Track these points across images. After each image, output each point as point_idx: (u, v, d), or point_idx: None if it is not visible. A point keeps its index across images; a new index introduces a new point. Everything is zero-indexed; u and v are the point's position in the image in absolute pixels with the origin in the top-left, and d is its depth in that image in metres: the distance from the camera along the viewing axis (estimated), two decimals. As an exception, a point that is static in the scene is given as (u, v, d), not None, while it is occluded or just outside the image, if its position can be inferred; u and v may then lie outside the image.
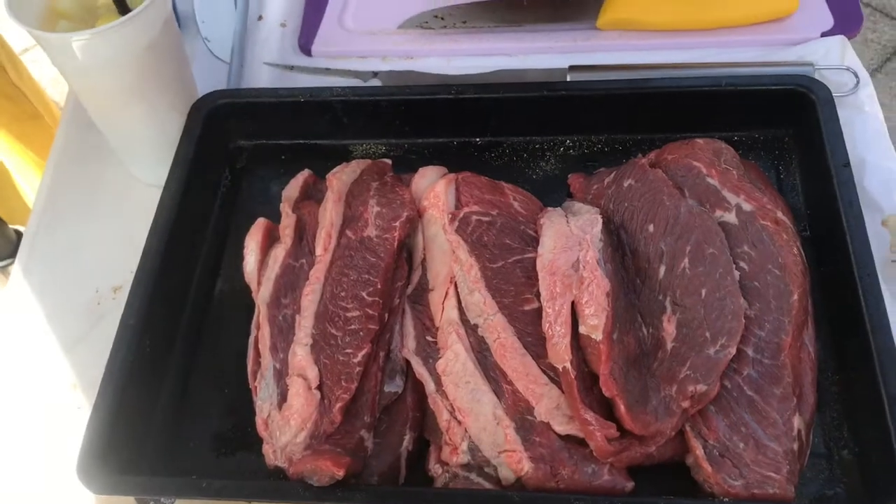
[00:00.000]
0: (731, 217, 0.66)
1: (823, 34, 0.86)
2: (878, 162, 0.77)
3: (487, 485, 0.59)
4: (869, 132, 0.79)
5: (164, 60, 0.73)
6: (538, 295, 0.62)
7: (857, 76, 0.82)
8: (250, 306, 0.70)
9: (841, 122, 0.73)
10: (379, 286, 0.65)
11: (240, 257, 0.73)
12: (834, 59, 0.83)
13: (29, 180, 1.20)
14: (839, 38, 0.85)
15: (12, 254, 1.19)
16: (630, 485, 0.58)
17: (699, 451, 0.58)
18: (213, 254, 0.76)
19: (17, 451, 0.69)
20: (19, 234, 1.20)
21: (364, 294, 0.64)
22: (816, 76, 0.79)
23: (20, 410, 0.71)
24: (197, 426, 0.67)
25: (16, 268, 0.80)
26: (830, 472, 0.61)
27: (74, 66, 0.70)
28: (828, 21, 0.87)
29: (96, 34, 0.67)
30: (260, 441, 0.63)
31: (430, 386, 0.62)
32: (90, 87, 0.73)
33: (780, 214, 0.66)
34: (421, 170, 0.74)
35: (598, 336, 0.58)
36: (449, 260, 0.66)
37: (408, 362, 0.64)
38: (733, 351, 0.59)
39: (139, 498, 0.59)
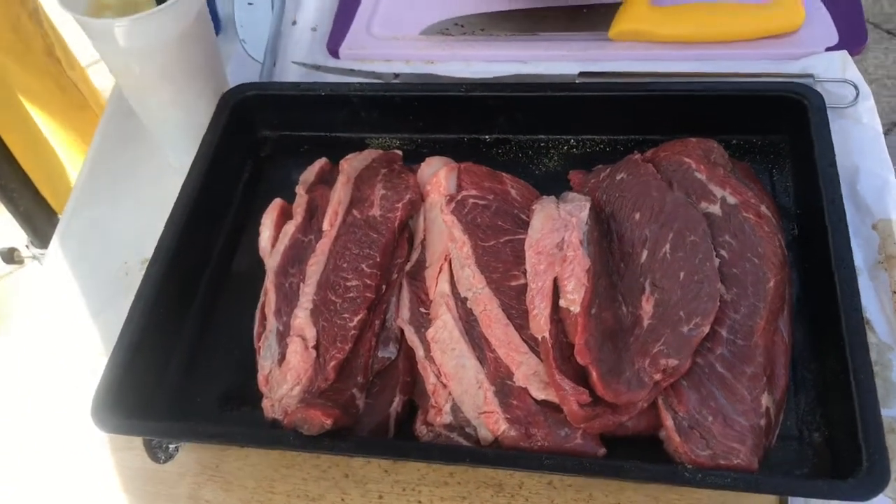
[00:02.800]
0: (715, 209, 0.69)
1: (828, 49, 0.89)
2: (871, 170, 0.80)
3: (466, 444, 0.62)
4: (866, 142, 0.82)
5: (195, 49, 0.80)
6: (525, 273, 0.66)
7: (857, 89, 0.85)
8: (263, 280, 0.75)
9: (839, 131, 0.75)
10: (378, 260, 0.69)
11: (257, 236, 0.78)
12: (835, 73, 0.86)
13: (78, 167, 1.27)
14: (841, 53, 0.87)
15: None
16: (602, 451, 0.61)
17: (669, 423, 0.61)
18: (234, 231, 0.82)
19: (45, 410, 0.74)
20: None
21: (364, 266, 0.69)
22: (818, 88, 0.82)
23: (50, 373, 0.77)
24: (205, 383, 0.71)
25: (54, 240, 0.87)
26: (801, 454, 0.63)
27: (114, 50, 0.76)
28: (833, 37, 0.90)
29: (135, 20, 0.73)
30: (261, 398, 0.68)
31: (419, 352, 0.66)
32: (127, 71, 0.79)
33: (763, 209, 0.69)
34: (428, 159, 0.79)
35: (575, 309, 0.62)
36: (446, 239, 0.70)
37: (402, 331, 0.68)
38: (706, 330, 0.62)
39: (147, 440, 0.64)
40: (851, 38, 0.90)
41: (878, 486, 0.55)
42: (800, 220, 0.75)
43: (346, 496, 0.64)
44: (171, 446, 0.69)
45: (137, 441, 0.69)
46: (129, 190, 0.90)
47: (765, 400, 0.61)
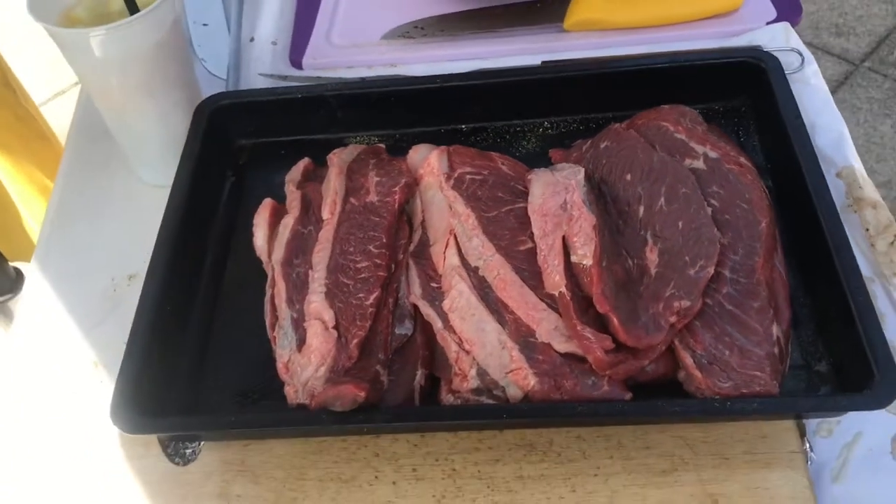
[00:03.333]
0: (699, 164, 0.73)
1: (768, 23, 0.95)
2: (827, 124, 0.85)
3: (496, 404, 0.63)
4: (817, 101, 0.88)
5: (171, 59, 0.80)
6: (531, 237, 0.68)
7: (801, 55, 0.91)
8: (259, 280, 0.75)
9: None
10: (384, 240, 0.70)
11: (248, 239, 0.78)
12: (780, 43, 0.92)
13: (34, 210, 1.24)
14: (783, 25, 0.94)
15: (11, 290, 1.22)
16: (628, 395, 0.63)
17: (689, 361, 0.63)
18: (223, 237, 0.81)
19: (45, 423, 0.72)
20: (19, 273, 1.23)
21: (371, 248, 0.70)
22: (766, 57, 0.87)
23: (46, 387, 0.75)
24: (220, 382, 0.70)
25: (32, 266, 0.84)
26: (810, 381, 0.66)
27: (89, 62, 0.76)
28: (771, 12, 0.96)
29: (110, 30, 0.73)
30: (280, 390, 0.67)
31: (437, 324, 0.67)
32: (102, 83, 0.79)
33: (743, 159, 0.73)
34: (414, 147, 0.80)
35: (588, 262, 0.64)
36: (447, 216, 0.72)
37: (415, 308, 0.69)
38: (711, 271, 0.65)
39: (164, 445, 0.62)
40: (788, 10, 0.96)
41: (892, 393, 0.59)
42: (773, 174, 0.79)
43: (380, 473, 0.64)
44: (189, 449, 0.67)
45: (154, 448, 0.67)
46: (104, 209, 0.88)
47: (775, 330, 0.64)
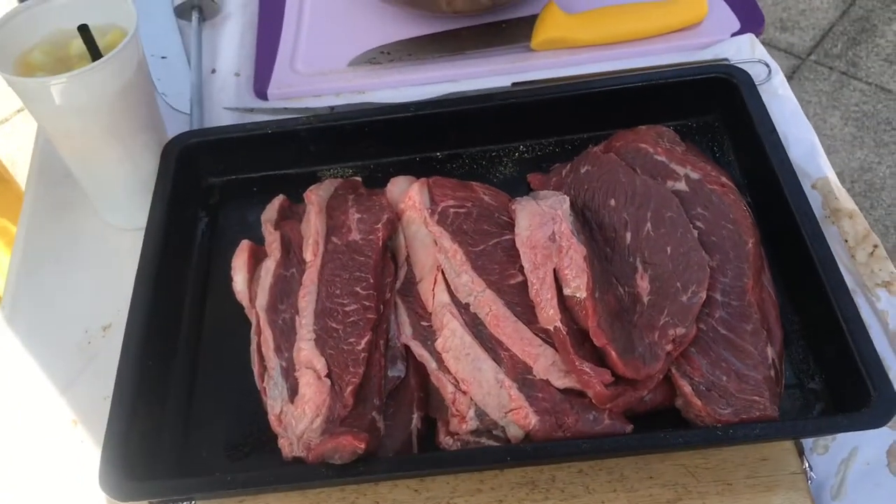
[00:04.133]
0: (681, 185, 0.73)
1: (733, 35, 0.96)
2: (799, 135, 0.86)
3: (498, 445, 0.62)
4: (786, 112, 0.88)
5: (137, 102, 0.77)
6: (521, 270, 0.67)
7: (768, 66, 0.92)
8: (241, 326, 0.73)
9: (761, 106, 0.81)
10: (371, 280, 0.69)
11: (226, 283, 0.76)
12: (746, 54, 0.93)
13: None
14: (748, 36, 0.94)
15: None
16: (630, 427, 0.62)
17: (687, 389, 0.63)
18: (200, 282, 0.79)
19: (26, 490, 0.69)
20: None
21: (358, 289, 0.68)
22: (734, 70, 0.88)
23: (24, 451, 0.72)
24: (208, 436, 0.68)
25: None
26: (805, 400, 0.66)
27: (51, 110, 0.73)
28: (734, 23, 0.97)
29: (73, 77, 0.70)
30: (271, 442, 0.65)
31: (431, 365, 0.66)
32: (67, 131, 0.76)
33: (724, 179, 0.73)
34: (392, 179, 0.79)
35: (582, 294, 0.63)
36: (432, 251, 0.70)
37: (407, 348, 0.68)
38: (704, 296, 0.65)
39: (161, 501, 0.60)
40: (751, 21, 0.97)
41: (890, 410, 0.59)
42: (750, 190, 0.79)
43: (382, 522, 0.63)
44: (181, 507, 0.65)
45: (145, 508, 0.65)
46: (72, 255, 0.85)
47: (769, 352, 0.64)
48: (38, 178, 0.92)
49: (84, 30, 0.73)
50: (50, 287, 0.83)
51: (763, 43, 0.96)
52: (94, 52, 0.74)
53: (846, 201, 0.80)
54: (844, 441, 0.66)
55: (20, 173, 1.10)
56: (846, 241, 0.78)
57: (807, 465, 0.64)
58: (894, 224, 2.00)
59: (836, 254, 0.76)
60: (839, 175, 2.16)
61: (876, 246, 0.76)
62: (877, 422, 0.59)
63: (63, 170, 0.86)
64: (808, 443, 0.66)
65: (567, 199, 0.70)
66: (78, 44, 0.75)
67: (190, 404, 0.71)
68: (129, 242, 0.83)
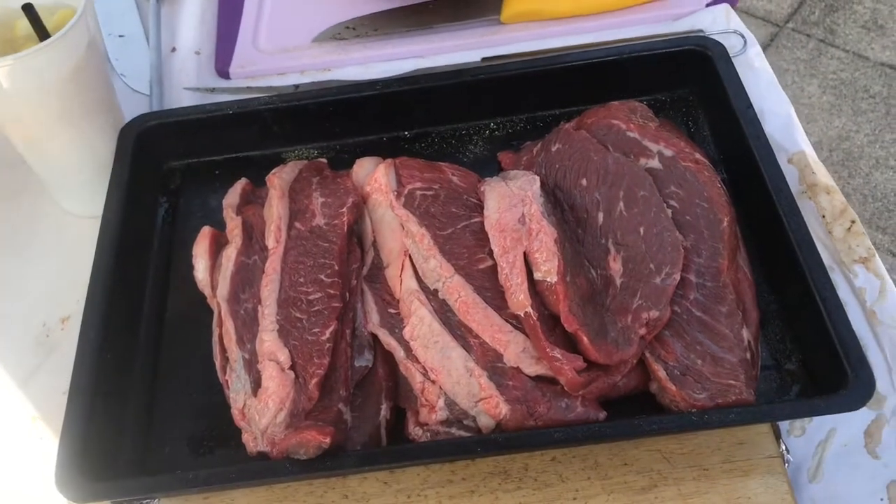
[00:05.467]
0: (654, 163, 0.71)
1: (708, 6, 0.93)
2: (774, 109, 0.84)
3: (468, 435, 0.60)
4: (762, 85, 0.86)
5: (90, 84, 0.74)
6: (490, 254, 0.65)
7: (744, 37, 0.90)
8: (204, 316, 0.71)
9: (736, 79, 0.79)
10: (336, 268, 0.66)
11: (187, 271, 0.73)
12: (721, 25, 0.91)
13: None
14: (723, 6, 0.92)
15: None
16: (603, 414, 0.61)
17: (661, 374, 0.61)
18: (160, 271, 0.76)
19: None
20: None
21: (323, 276, 0.66)
22: (710, 41, 0.86)
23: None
24: (170, 432, 0.66)
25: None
26: (782, 381, 0.65)
27: (-1, 96, 0.70)
28: (709, -7, 0.94)
29: (19, 59, 0.67)
30: (237, 436, 0.63)
31: (399, 353, 0.64)
32: (16, 117, 0.73)
33: (698, 156, 0.71)
34: (358, 161, 0.76)
35: (553, 279, 0.61)
36: (399, 236, 0.68)
37: (374, 337, 0.66)
38: (678, 277, 0.63)
39: (122, 501, 0.58)
40: (727, -9, 0.94)
41: (867, 393, 0.58)
42: (726, 165, 0.78)
43: (351, 516, 0.61)
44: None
45: (107, 506, 0.63)
46: (29, 246, 0.82)
47: (745, 334, 0.63)
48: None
49: (29, 9, 0.69)
50: (6, 277, 0.80)
51: (740, 10, 0.93)
52: (42, 33, 0.70)
53: (823, 176, 0.79)
54: (822, 423, 0.65)
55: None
56: (823, 216, 0.76)
57: (784, 447, 0.62)
58: (872, 193, 1.99)
59: (812, 230, 0.75)
60: (817, 144, 2.15)
61: (853, 221, 0.75)
62: (853, 404, 0.58)
63: (18, 154, 0.82)
64: (784, 425, 0.65)
65: (537, 179, 0.67)
66: (24, 24, 0.71)
67: (152, 398, 0.68)
68: (88, 230, 0.80)
